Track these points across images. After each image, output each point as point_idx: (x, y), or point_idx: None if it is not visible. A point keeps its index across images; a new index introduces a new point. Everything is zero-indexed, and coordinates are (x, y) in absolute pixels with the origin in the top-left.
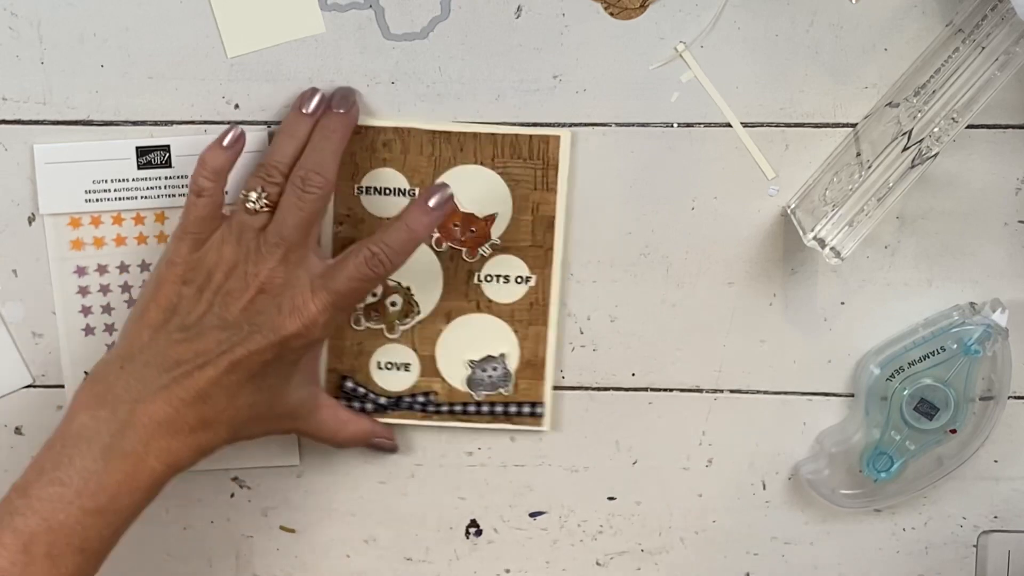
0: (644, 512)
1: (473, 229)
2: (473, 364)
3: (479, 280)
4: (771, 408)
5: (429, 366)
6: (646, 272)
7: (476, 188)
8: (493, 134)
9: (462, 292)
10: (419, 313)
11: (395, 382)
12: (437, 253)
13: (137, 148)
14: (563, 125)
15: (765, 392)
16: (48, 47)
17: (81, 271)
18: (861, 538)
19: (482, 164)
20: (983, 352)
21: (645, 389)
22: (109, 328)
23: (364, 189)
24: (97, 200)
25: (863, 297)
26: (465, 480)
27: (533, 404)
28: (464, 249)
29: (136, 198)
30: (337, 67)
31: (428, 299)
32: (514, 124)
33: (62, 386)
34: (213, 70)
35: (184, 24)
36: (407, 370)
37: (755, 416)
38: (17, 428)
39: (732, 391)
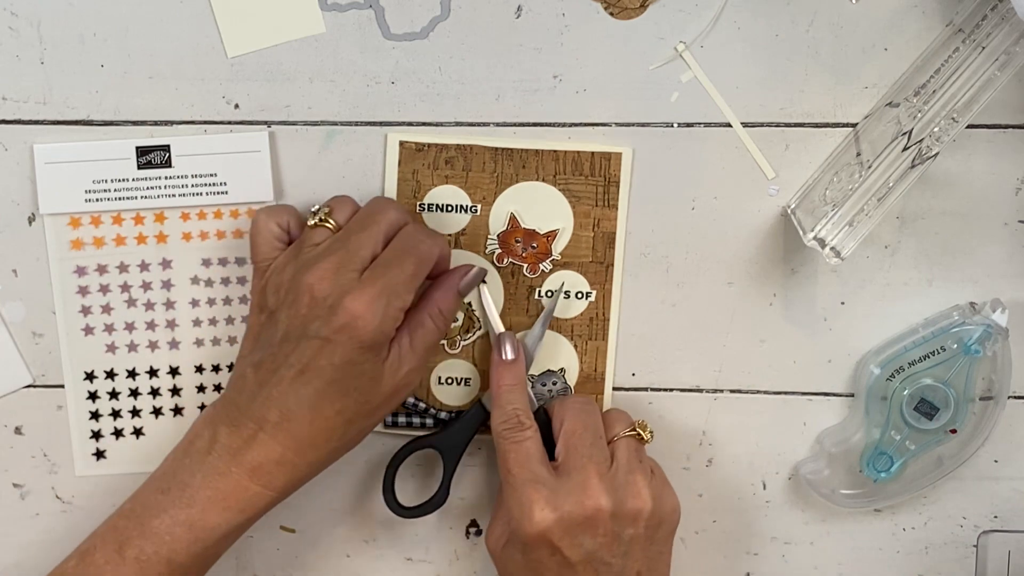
0: None
1: (534, 245)
2: (533, 379)
3: (540, 296)
4: (771, 408)
5: (489, 381)
6: (646, 272)
7: (538, 205)
8: (555, 151)
9: (523, 307)
10: (480, 328)
11: (455, 396)
12: (498, 269)
13: (137, 148)
14: (563, 125)
15: (765, 392)
16: (48, 47)
17: (81, 271)
18: (861, 538)
19: (544, 181)
20: (983, 352)
21: (645, 389)
22: (109, 328)
23: (426, 206)
24: (97, 200)
25: (863, 297)
26: (465, 480)
27: None
28: (525, 265)
29: (136, 198)
30: (337, 67)
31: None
32: (514, 124)
33: (62, 386)
34: (213, 70)
35: (184, 24)
36: (467, 385)
37: (755, 416)
38: (17, 428)
39: (732, 391)
